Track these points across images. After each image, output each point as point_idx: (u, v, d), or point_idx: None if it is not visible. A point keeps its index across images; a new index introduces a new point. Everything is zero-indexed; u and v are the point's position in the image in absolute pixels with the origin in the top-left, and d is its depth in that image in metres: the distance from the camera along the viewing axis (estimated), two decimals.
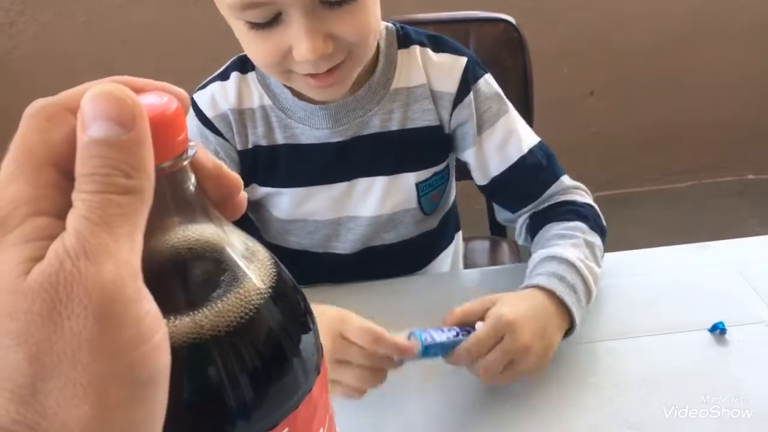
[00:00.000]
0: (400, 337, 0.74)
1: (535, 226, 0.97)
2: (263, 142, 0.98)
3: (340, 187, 1.00)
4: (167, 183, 0.32)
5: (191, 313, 0.33)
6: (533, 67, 1.34)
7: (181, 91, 0.32)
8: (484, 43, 1.31)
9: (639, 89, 2.37)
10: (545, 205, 0.98)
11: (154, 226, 0.33)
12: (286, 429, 0.36)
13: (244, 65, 0.99)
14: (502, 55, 1.32)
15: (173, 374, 0.33)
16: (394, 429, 0.76)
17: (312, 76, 0.85)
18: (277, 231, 1.05)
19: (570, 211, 0.95)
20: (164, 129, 0.30)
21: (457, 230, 1.21)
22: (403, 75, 0.98)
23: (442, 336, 0.75)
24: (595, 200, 0.98)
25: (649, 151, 2.47)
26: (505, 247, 1.49)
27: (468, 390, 0.79)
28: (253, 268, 0.36)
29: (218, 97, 0.97)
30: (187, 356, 0.33)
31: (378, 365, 0.75)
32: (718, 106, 2.42)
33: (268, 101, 0.97)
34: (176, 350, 0.32)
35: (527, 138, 1.00)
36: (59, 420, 0.24)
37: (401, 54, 0.99)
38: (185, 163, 0.32)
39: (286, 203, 1.01)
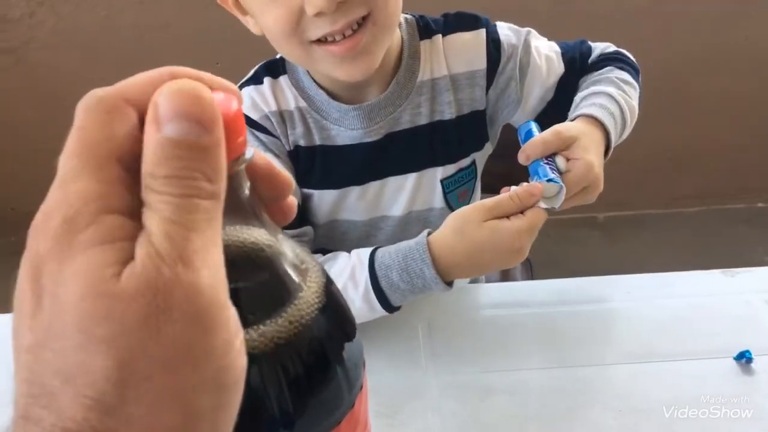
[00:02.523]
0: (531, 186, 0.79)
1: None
2: (302, 143, 0.97)
3: (374, 186, 1.01)
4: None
5: (242, 324, 0.32)
6: None
7: (237, 90, 0.31)
8: None
9: (649, 113, 2.36)
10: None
11: None
12: None
13: (273, 70, 0.98)
14: None
15: None
16: None
17: (333, 44, 0.83)
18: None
19: (600, 59, 1.04)
20: (226, 131, 0.28)
21: None
22: (427, 67, 0.98)
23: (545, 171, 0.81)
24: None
25: (658, 174, 2.47)
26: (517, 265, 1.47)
27: (487, 411, 0.78)
28: (305, 278, 0.35)
29: (257, 100, 0.96)
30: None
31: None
32: (728, 132, 2.42)
33: (303, 103, 0.97)
34: None
35: (553, 50, 1.03)
36: (145, 426, 0.23)
37: (424, 45, 0.99)
38: (243, 166, 0.31)
39: (322, 205, 1.01)
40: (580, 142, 0.85)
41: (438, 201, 1.03)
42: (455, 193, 1.04)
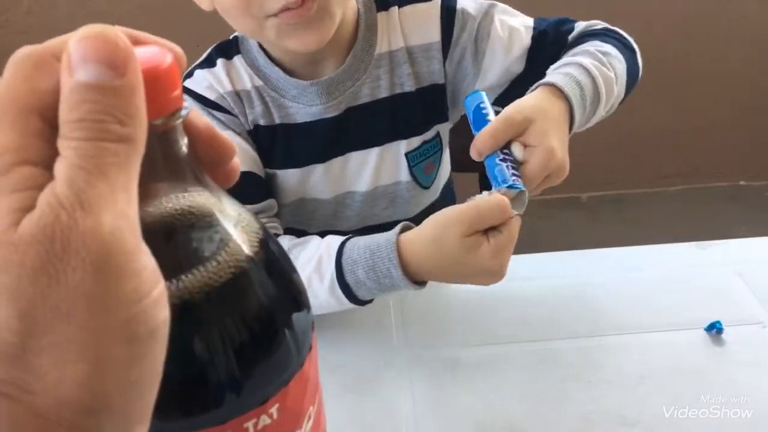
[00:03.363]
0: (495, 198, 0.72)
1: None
2: (262, 122, 0.96)
3: (337, 162, 0.99)
4: (158, 143, 0.30)
5: (180, 279, 0.32)
6: None
7: (178, 48, 0.31)
8: None
9: (636, 92, 2.36)
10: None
11: (144, 187, 0.31)
12: (277, 405, 0.35)
13: (227, 51, 0.97)
14: None
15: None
16: (380, 416, 0.74)
17: (287, 11, 0.81)
18: (278, 216, 1.03)
19: (580, 38, 0.96)
20: (157, 83, 0.28)
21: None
22: (384, 39, 0.97)
23: (504, 173, 0.74)
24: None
25: (643, 153, 2.47)
26: None
27: (461, 384, 0.78)
28: (246, 237, 0.34)
29: (212, 81, 0.95)
30: (175, 325, 0.31)
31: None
32: (713, 111, 2.42)
33: (259, 82, 0.95)
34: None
35: (525, 23, 0.98)
36: (52, 378, 0.22)
37: (381, 17, 0.97)
38: (179, 122, 0.31)
39: (286, 184, 0.99)
40: (536, 125, 0.77)
41: (404, 175, 1.02)
42: (421, 167, 1.03)
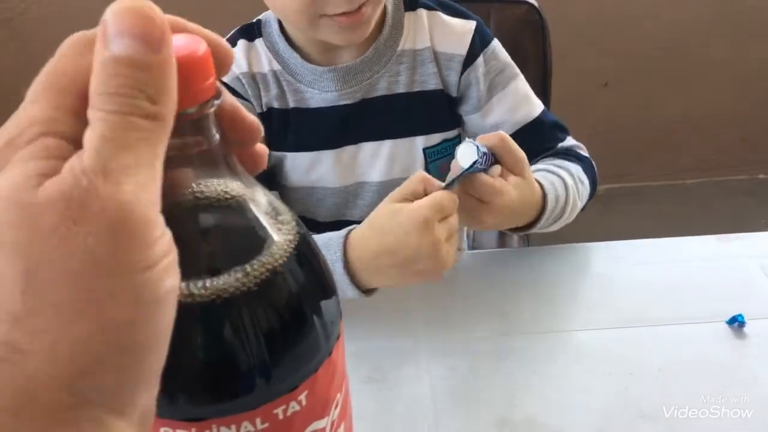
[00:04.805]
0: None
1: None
2: (276, 105, 0.98)
3: (348, 150, 1.01)
4: (191, 131, 0.31)
5: (213, 270, 0.32)
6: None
7: (219, 38, 0.31)
8: (505, 25, 1.29)
9: (654, 83, 2.35)
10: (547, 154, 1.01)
11: (177, 175, 0.32)
12: (306, 392, 0.35)
13: (249, 33, 0.99)
14: (522, 38, 1.30)
15: (193, 332, 0.32)
16: (402, 404, 0.74)
17: (343, 16, 0.84)
18: (287, 202, 1.04)
19: (570, 155, 0.99)
20: (191, 71, 0.28)
21: None
22: (409, 37, 0.99)
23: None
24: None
25: (660, 146, 2.45)
26: (513, 236, 1.46)
27: (480, 375, 0.77)
28: (277, 226, 0.34)
29: None
30: (207, 314, 0.32)
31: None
32: (731, 104, 2.40)
33: (277, 66, 0.98)
34: (197, 308, 0.31)
35: (537, 102, 1.02)
36: (49, 339, 0.22)
37: (408, 16, 0.99)
38: (211, 110, 0.31)
39: (295, 169, 1.01)
40: (518, 179, 0.82)
41: (418, 170, 1.02)
42: (437, 164, 1.03)
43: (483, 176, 0.78)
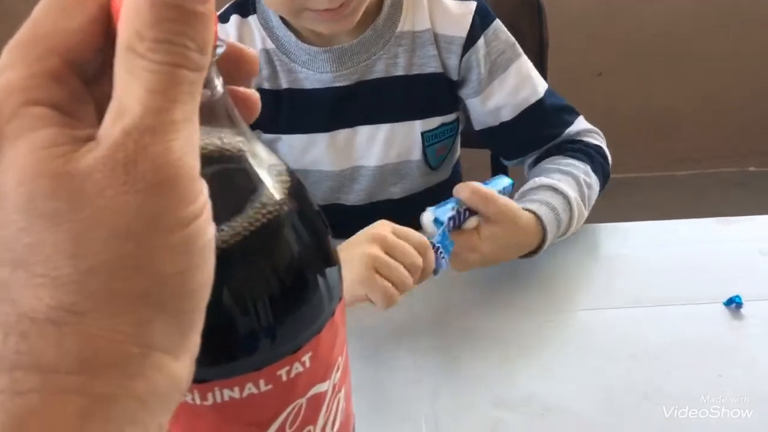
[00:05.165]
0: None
1: (542, 159, 0.97)
2: (266, 86, 0.95)
3: (343, 134, 0.98)
4: None
5: (216, 224, 0.31)
6: None
7: None
8: (503, 6, 1.28)
9: (647, 74, 2.35)
10: (557, 145, 0.98)
11: None
12: (309, 353, 0.35)
13: (243, 8, 0.96)
14: (520, 20, 1.29)
15: None
16: (400, 381, 0.74)
17: (326, 11, 0.83)
18: None
19: (578, 149, 0.95)
20: None
21: None
22: (408, 18, 0.96)
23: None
24: None
25: (652, 137, 2.45)
26: None
27: (479, 356, 0.77)
28: (278, 182, 0.33)
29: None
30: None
31: (419, 269, 0.75)
32: (724, 96, 2.40)
33: (271, 45, 0.95)
34: None
35: (541, 82, 0.99)
36: (106, 297, 0.22)
37: None
38: (214, 60, 0.30)
39: (289, 151, 0.99)
40: (495, 228, 0.81)
41: (416, 154, 1.01)
42: (434, 148, 1.02)
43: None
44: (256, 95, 0.35)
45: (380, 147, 0.99)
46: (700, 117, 2.43)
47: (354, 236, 0.77)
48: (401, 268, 0.73)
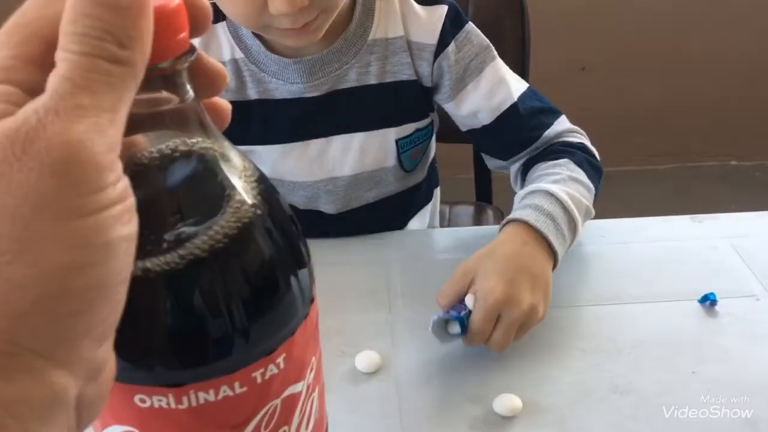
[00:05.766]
0: None
1: (526, 170, 0.95)
2: (235, 98, 0.93)
3: (317, 144, 0.97)
4: (165, 86, 0.30)
5: (186, 228, 0.31)
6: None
7: None
8: (485, 5, 1.29)
9: (630, 69, 2.36)
10: (539, 150, 0.96)
11: (148, 132, 0.31)
12: (284, 354, 0.35)
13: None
14: (502, 20, 1.30)
15: (170, 294, 0.31)
16: (373, 378, 0.74)
17: (290, 29, 0.82)
18: None
19: (560, 150, 0.93)
20: (163, 24, 0.27)
21: (435, 186, 1.17)
22: (381, 25, 0.94)
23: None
24: None
25: (634, 131, 2.47)
26: (489, 214, 1.47)
27: (451, 351, 0.77)
28: (250, 186, 0.34)
29: None
30: (183, 274, 0.31)
31: None
32: (705, 91, 2.42)
33: (240, 54, 0.93)
34: (172, 268, 0.30)
35: (517, 85, 0.97)
36: None
37: (379, 3, 0.94)
38: (185, 66, 0.30)
39: (261, 163, 0.96)
40: (479, 272, 0.76)
41: (390, 160, 1.00)
42: (408, 154, 1.01)
43: (472, 321, 0.74)
44: (227, 104, 0.35)
45: (354, 156, 0.98)
46: (682, 112, 2.45)
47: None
48: None
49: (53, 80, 0.23)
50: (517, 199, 0.87)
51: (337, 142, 0.97)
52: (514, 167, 0.99)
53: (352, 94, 0.95)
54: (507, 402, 0.70)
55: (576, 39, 2.28)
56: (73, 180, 0.22)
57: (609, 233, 0.95)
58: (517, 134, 0.96)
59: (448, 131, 1.09)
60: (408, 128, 0.99)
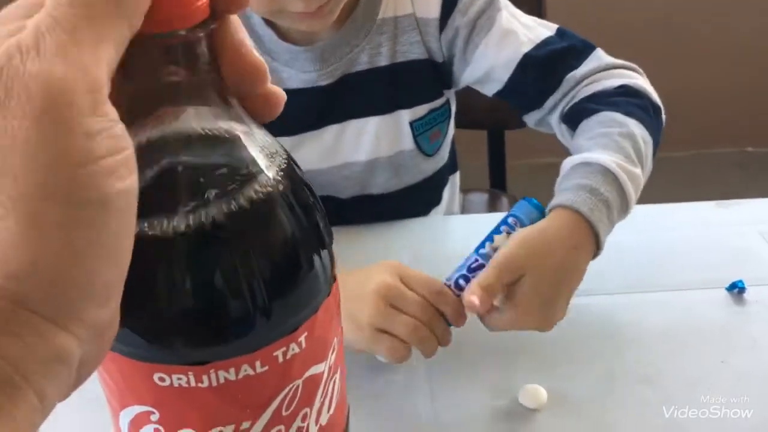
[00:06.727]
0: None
1: (569, 122, 0.88)
2: None
3: (331, 131, 0.95)
4: (182, 55, 0.29)
5: (207, 201, 0.30)
6: None
7: None
8: None
9: (644, 56, 2.32)
10: (575, 100, 0.88)
11: (163, 105, 0.30)
12: (306, 333, 0.34)
13: None
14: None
15: (192, 269, 0.29)
16: (399, 371, 0.73)
17: (304, 14, 0.80)
18: None
19: (603, 101, 0.85)
20: None
21: (453, 172, 1.14)
22: (390, 3, 0.92)
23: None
24: None
25: None
26: (504, 201, 1.46)
27: (475, 341, 0.75)
28: (274, 163, 0.33)
29: None
30: (206, 248, 0.30)
31: (431, 323, 0.68)
32: (721, 77, 2.40)
33: (251, 44, 0.90)
34: (194, 241, 0.29)
35: (532, 32, 0.91)
36: None
37: None
38: (202, 34, 0.29)
39: None
40: (524, 281, 0.68)
41: (407, 144, 0.98)
42: (426, 135, 0.98)
43: (497, 321, 0.70)
44: (281, 92, 0.33)
45: (369, 141, 0.96)
46: (697, 99, 2.42)
47: (356, 274, 0.71)
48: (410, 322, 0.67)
49: (36, 16, 0.22)
50: (564, 167, 0.79)
51: (351, 127, 0.96)
52: (554, 120, 0.92)
53: (363, 77, 0.93)
54: (532, 393, 0.69)
55: (588, 28, 2.24)
56: (57, 126, 0.20)
57: (632, 220, 0.92)
58: (539, 84, 0.90)
59: (462, 116, 1.07)
60: (421, 110, 0.97)
